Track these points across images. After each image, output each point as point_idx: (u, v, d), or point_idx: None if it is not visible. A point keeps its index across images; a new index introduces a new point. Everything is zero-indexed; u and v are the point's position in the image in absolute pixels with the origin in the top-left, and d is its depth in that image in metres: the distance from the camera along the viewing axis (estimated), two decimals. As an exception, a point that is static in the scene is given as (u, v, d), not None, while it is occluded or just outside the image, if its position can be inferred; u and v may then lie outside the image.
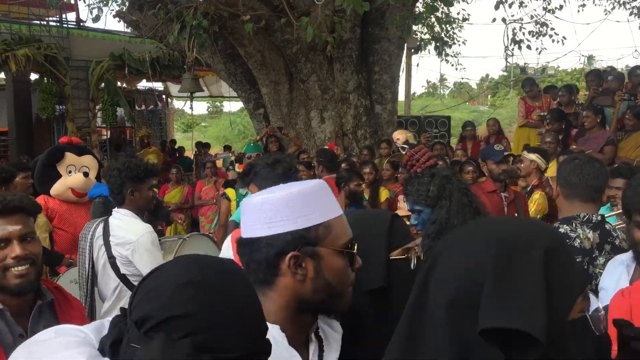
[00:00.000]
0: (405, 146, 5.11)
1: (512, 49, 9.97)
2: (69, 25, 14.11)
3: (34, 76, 13.85)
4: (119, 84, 14.09)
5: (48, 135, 14.60)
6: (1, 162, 9.58)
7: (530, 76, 12.43)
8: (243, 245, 1.30)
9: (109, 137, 15.66)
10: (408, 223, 3.93)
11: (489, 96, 40.06)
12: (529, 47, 9.96)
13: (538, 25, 10.62)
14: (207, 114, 44.31)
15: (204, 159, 11.93)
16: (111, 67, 13.06)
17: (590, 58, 23.62)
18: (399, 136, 7.35)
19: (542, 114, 8.19)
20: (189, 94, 9.00)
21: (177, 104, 21.34)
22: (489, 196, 4.65)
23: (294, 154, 8.00)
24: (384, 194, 6.40)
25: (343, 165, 7.15)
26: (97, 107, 13.64)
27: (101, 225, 3.40)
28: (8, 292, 1.91)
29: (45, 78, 12.73)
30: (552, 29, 10.45)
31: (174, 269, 1.01)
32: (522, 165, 5.31)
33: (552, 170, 5.06)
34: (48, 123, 13.97)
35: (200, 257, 1.05)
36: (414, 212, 2.74)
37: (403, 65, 11.59)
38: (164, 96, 19.29)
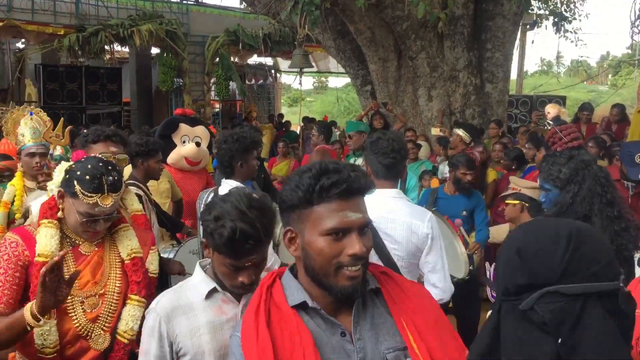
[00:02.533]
0: (551, 122, 4.98)
1: (639, 25, 9.28)
2: (189, 2, 14.79)
3: (154, 50, 14.69)
4: (232, 58, 14.62)
5: (166, 107, 15.49)
6: (125, 132, 10.29)
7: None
8: None
9: (221, 109, 16.34)
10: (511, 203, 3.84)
11: (610, 75, 37.45)
12: (658, 23, 9.23)
13: (670, 0, 9.79)
14: (313, 89, 44.85)
15: (310, 133, 12.17)
16: (226, 42, 13.57)
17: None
18: (550, 110, 7.16)
19: None
20: (299, 69, 9.20)
21: (285, 78, 21.78)
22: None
23: (398, 130, 7.99)
24: (491, 175, 6.28)
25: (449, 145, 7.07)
26: (212, 80, 14.26)
27: (212, 195, 3.60)
28: (333, 293, 1.48)
29: (165, 52, 13.47)
30: (687, 3, 9.59)
31: None
32: None
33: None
34: (166, 95, 14.82)
35: None
36: (543, 189, 2.69)
37: (517, 42, 11.14)
38: (273, 71, 19.77)
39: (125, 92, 15.34)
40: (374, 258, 2.84)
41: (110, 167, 2.24)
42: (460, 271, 3.85)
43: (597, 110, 10.73)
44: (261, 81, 19.15)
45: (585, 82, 31.46)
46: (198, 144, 5.34)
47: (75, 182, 2.16)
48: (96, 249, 2.31)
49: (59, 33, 12.07)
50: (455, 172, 4.73)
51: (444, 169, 7.04)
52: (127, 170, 4.75)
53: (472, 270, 4.14)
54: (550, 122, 4.90)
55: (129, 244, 2.36)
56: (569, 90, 23.10)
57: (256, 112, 16.40)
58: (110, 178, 2.19)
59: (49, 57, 13.65)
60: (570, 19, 12.88)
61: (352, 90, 21.87)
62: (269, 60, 18.38)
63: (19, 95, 13.36)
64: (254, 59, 17.64)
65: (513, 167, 6.00)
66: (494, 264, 3.56)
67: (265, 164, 7.53)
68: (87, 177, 2.16)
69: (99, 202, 2.16)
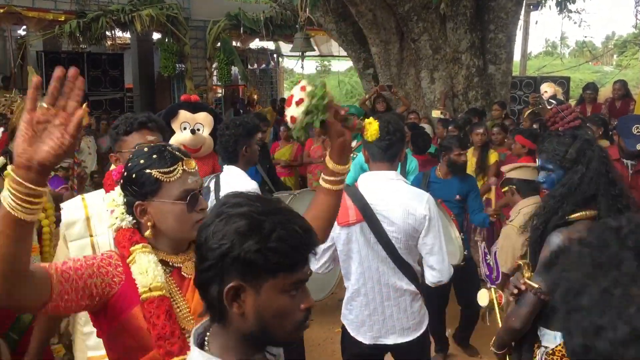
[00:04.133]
0: (553, 101, 4.95)
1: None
2: (189, -14, 14.69)
3: (156, 36, 14.64)
4: (233, 43, 14.57)
5: (168, 92, 15.46)
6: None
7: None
8: None
9: (223, 94, 16.30)
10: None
11: (615, 56, 37.16)
12: (663, 2, 9.14)
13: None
14: (316, 73, 44.70)
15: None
16: (227, 26, 13.51)
17: None
18: (547, 89, 7.12)
19: None
20: (301, 52, 9.16)
21: (288, 63, 21.70)
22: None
23: (402, 114, 7.97)
24: (493, 157, 6.28)
25: (450, 127, 7.07)
26: (214, 65, 14.22)
27: (213, 181, 3.62)
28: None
29: (166, 38, 13.43)
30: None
31: None
32: None
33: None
34: (168, 81, 14.78)
35: None
36: (544, 170, 2.68)
37: (520, 23, 11.06)
38: (275, 55, 19.69)
39: (128, 78, 15.30)
40: (371, 240, 2.86)
41: (162, 143, 1.87)
42: (455, 257, 3.86)
43: (602, 91, 10.67)
44: (263, 65, 19.07)
45: (590, 63, 31.24)
46: (193, 132, 5.30)
47: (148, 171, 1.71)
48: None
49: (59, 19, 12.04)
50: (449, 154, 4.68)
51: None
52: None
53: (466, 255, 4.14)
54: (552, 101, 4.86)
55: None
56: (574, 71, 22.95)
57: (258, 96, 16.36)
58: (174, 146, 1.81)
59: (50, 43, 13.62)
60: (573, -2, 12.76)
61: (355, 74, 21.75)
62: (270, 45, 18.29)
63: (21, 82, 13.35)
64: (256, 44, 17.55)
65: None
66: (484, 243, 3.58)
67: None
68: (154, 156, 1.74)
69: (187, 169, 1.74)
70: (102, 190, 2.47)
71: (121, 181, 1.78)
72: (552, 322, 2.42)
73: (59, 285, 1.50)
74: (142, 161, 1.73)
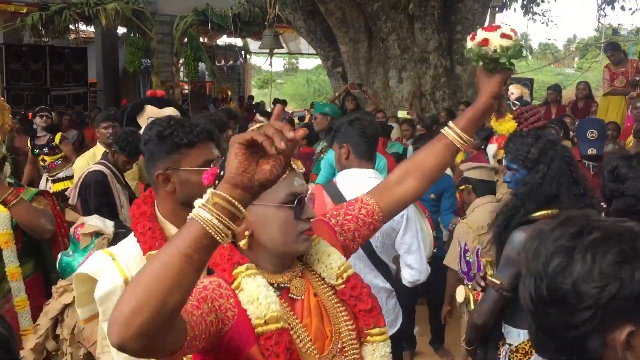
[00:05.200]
0: (517, 103, 5.02)
1: (605, 9, 9.43)
2: (155, -20, 14.48)
3: (121, 30, 14.40)
4: (201, 39, 14.42)
5: (134, 88, 15.24)
6: (94, 113, 10.12)
7: (614, 41, 11.73)
8: None
9: (190, 91, 16.14)
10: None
11: (577, 58, 38.07)
12: (622, 7, 9.39)
13: (636, -16, 9.96)
14: (284, 70, 44.59)
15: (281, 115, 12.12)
16: (194, 22, 13.37)
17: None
18: (514, 90, 7.20)
19: (637, 78, 7.73)
20: (269, 50, 9.12)
21: (256, 60, 21.61)
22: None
23: (372, 112, 8.00)
24: (459, 156, 6.34)
25: (419, 127, 7.13)
26: (180, 61, 14.06)
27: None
28: None
29: (132, 32, 13.21)
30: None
31: None
32: None
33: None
34: (134, 76, 14.56)
35: None
36: (509, 170, 2.72)
37: (486, 24, 11.22)
38: (243, 52, 19.58)
39: (92, 72, 15.04)
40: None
41: None
42: (426, 250, 3.90)
43: (564, 93, 10.90)
44: (231, 62, 18.95)
45: (552, 65, 31.92)
46: (159, 127, 5.25)
47: None
48: (305, 283, 1.52)
49: (21, 11, 11.75)
50: None
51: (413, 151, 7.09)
52: (80, 161, 4.69)
53: (435, 252, 4.18)
54: (517, 102, 4.97)
55: (329, 260, 1.54)
56: (537, 72, 23.38)
57: (231, 93, 16.24)
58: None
59: (11, 36, 13.28)
60: (538, 1, 13.01)
61: (323, 72, 21.78)
62: (238, 41, 18.18)
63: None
64: (224, 40, 17.44)
65: (482, 147, 6.08)
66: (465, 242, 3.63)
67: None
68: None
69: (295, 168, 1.44)
70: (132, 240, 1.85)
71: (216, 182, 1.39)
72: (516, 319, 2.46)
73: (191, 331, 1.22)
74: None
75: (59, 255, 2.66)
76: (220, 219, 1.07)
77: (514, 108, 4.92)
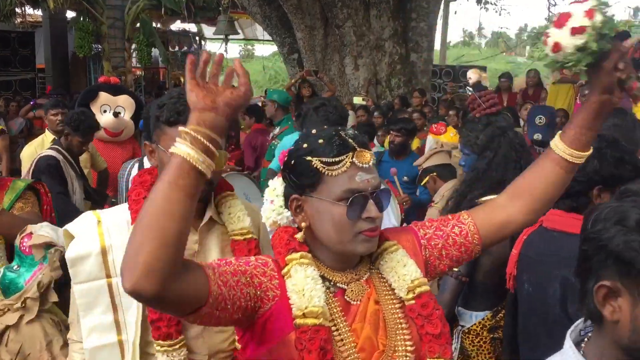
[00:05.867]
0: (470, 89, 5.08)
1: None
2: (106, -37, 14.07)
3: (70, 14, 13.96)
4: (154, 24, 14.12)
5: (84, 74, 14.82)
6: (41, 99, 9.80)
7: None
8: None
9: (143, 77, 15.80)
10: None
11: (528, 47, 38.94)
12: (572, -4, 9.63)
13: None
14: (239, 57, 44.16)
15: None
16: (147, 6, 13.08)
17: (637, 10, 22.68)
18: (472, 75, 7.29)
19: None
20: (224, 36, 9.01)
21: (211, 46, 21.29)
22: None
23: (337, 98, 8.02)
24: (414, 143, 6.42)
25: (376, 114, 7.18)
26: (133, 47, 13.74)
27: (136, 165, 3.51)
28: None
29: (82, 16, 12.83)
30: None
31: None
32: None
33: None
34: (84, 61, 14.17)
35: None
36: (463, 154, 2.75)
37: (441, 12, 11.35)
38: (197, 38, 19.26)
39: (39, 58, 14.55)
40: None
41: (340, 127, 1.44)
42: None
43: (516, 81, 11.15)
44: (185, 48, 18.61)
45: (504, 54, 32.55)
46: (116, 115, 5.14)
47: (309, 158, 1.34)
48: (367, 288, 1.41)
49: (-37, -7, 11.24)
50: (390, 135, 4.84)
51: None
52: (29, 149, 4.55)
53: None
54: (470, 89, 5.05)
55: (404, 271, 1.42)
56: (489, 61, 23.84)
57: (184, 79, 15.95)
58: (350, 132, 1.39)
59: (-48, 19, 12.71)
60: (491, -10, 13.24)
61: (279, 59, 21.63)
62: (192, 27, 17.88)
63: None
64: (177, 25, 17.11)
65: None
66: None
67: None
68: (320, 140, 1.36)
69: (357, 162, 1.33)
70: (124, 206, 1.80)
71: (282, 166, 1.43)
72: (470, 302, 2.51)
73: (217, 289, 1.19)
74: (305, 145, 1.36)
75: (1, 270, 2.42)
76: (191, 147, 1.11)
77: (468, 94, 5.00)
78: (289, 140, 3.67)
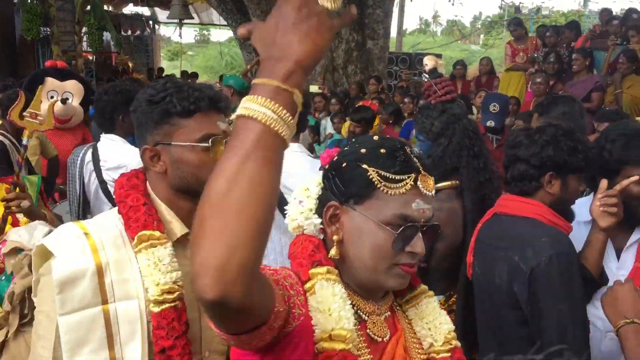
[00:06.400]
0: (427, 75, 5.12)
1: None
2: (53, -57, 13.59)
3: (16, -5, 13.46)
4: (105, 7, 13.73)
5: (32, 58, 14.32)
6: None
7: (517, 17, 12.29)
8: None
9: (94, 61, 15.39)
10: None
11: (482, 35, 39.60)
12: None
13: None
14: (195, 42, 43.38)
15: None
16: (97, -11, 12.70)
17: (587, 0, 23.30)
18: (428, 62, 7.35)
19: (535, 55, 8.16)
20: (178, 20, 8.83)
21: (165, 30, 20.90)
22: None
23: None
24: (373, 130, 6.47)
25: (333, 101, 7.19)
26: (83, 30, 13.34)
27: (90, 151, 3.43)
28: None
29: (29, -2, 12.38)
30: (550, -32, 10.27)
31: None
32: None
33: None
34: (32, 45, 13.67)
35: None
36: (418, 140, 2.78)
37: (397, 0, 11.41)
38: (150, 22, 18.85)
39: (-16, 41, 14.00)
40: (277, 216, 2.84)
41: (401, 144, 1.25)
42: None
43: (470, 69, 11.32)
44: (138, 32, 18.18)
45: (459, 42, 33.03)
46: (64, 101, 4.99)
47: (365, 166, 1.17)
48: (388, 328, 1.24)
49: None
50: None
51: (327, 124, 7.15)
52: None
53: None
54: (427, 76, 5.11)
55: (440, 320, 1.30)
56: (445, 48, 24.14)
57: (134, 64, 15.59)
58: (415, 150, 1.24)
59: None
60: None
61: (236, 44, 21.37)
62: (145, 10, 17.47)
63: None
64: (130, 9, 16.70)
65: (390, 122, 6.24)
66: None
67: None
68: (382, 150, 1.19)
69: (420, 187, 1.17)
70: (111, 214, 1.52)
71: (326, 166, 1.24)
72: (428, 287, 2.55)
73: (280, 299, 1.01)
74: (363, 150, 1.19)
75: None
76: (272, 109, 0.87)
77: (424, 80, 5.06)
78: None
